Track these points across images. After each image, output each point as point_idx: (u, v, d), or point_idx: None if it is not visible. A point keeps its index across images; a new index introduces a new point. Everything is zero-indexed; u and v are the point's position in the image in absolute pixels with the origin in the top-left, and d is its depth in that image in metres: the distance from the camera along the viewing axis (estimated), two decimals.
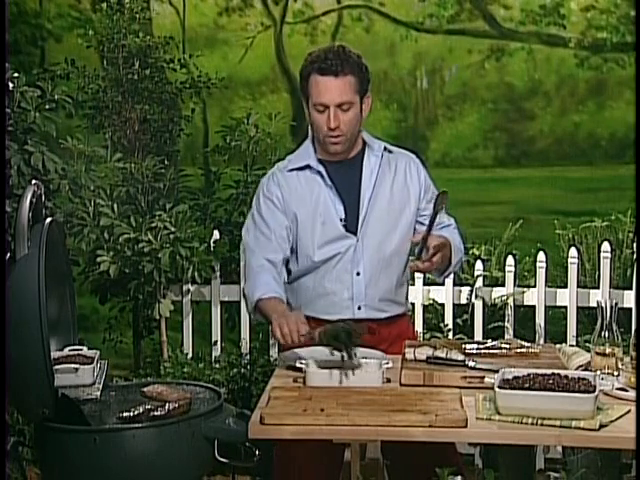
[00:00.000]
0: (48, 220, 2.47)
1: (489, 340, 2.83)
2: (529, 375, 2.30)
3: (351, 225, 2.88)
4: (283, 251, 2.88)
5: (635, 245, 4.10)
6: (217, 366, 4.17)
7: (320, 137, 2.86)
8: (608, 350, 2.50)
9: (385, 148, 2.97)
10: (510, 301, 4.16)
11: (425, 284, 4.19)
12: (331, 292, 2.90)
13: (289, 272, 2.95)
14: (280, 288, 2.82)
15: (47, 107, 3.89)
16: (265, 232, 2.90)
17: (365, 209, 2.89)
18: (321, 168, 2.91)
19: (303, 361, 2.59)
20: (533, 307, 4.18)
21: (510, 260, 4.17)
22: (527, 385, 2.25)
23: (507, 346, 2.71)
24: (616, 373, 2.48)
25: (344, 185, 2.91)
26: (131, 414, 2.39)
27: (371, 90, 2.88)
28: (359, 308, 2.91)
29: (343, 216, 2.88)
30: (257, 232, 2.92)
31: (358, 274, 2.89)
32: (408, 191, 2.95)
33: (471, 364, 2.53)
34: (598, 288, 4.11)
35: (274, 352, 4.22)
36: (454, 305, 4.22)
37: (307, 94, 2.83)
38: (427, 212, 2.94)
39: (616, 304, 2.56)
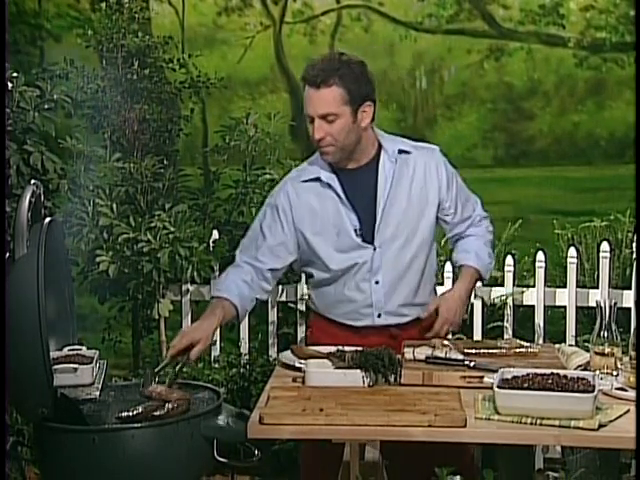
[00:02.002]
0: (47, 220, 2.46)
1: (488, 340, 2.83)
2: (528, 375, 2.30)
3: (367, 235, 2.86)
4: (271, 259, 2.90)
5: (634, 245, 4.10)
6: (216, 366, 4.17)
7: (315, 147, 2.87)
8: (607, 350, 2.50)
9: (400, 151, 2.91)
10: (509, 301, 4.15)
11: None
12: (352, 300, 2.90)
13: (311, 276, 2.97)
14: (236, 289, 2.84)
15: (46, 107, 3.89)
16: (258, 241, 2.92)
17: (380, 217, 2.86)
18: (333, 179, 2.88)
19: (302, 361, 2.59)
20: (532, 307, 4.17)
21: (509, 260, 4.16)
22: (526, 385, 2.25)
23: (506, 346, 2.71)
24: (615, 373, 2.48)
25: (358, 194, 2.88)
26: (130, 414, 2.39)
27: (374, 98, 2.82)
28: (379, 316, 2.91)
29: (358, 226, 2.86)
30: (252, 237, 2.95)
31: (377, 282, 2.88)
32: (427, 192, 2.91)
33: (470, 364, 2.53)
34: (597, 288, 4.11)
35: (273, 352, 4.22)
36: None
37: None
38: (451, 210, 2.95)
39: (615, 304, 2.56)
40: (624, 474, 3.78)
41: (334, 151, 2.82)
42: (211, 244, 4.13)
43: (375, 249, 2.87)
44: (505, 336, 4.10)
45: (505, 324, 4.16)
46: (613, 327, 2.52)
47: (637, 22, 5.40)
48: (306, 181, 2.92)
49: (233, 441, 2.40)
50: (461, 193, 3.00)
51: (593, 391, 2.19)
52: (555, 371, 2.32)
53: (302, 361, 2.59)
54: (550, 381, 2.25)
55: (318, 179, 2.89)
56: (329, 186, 2.88)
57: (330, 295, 2.94)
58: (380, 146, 2.91)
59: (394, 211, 2.86)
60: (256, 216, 3.03)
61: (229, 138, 4.37)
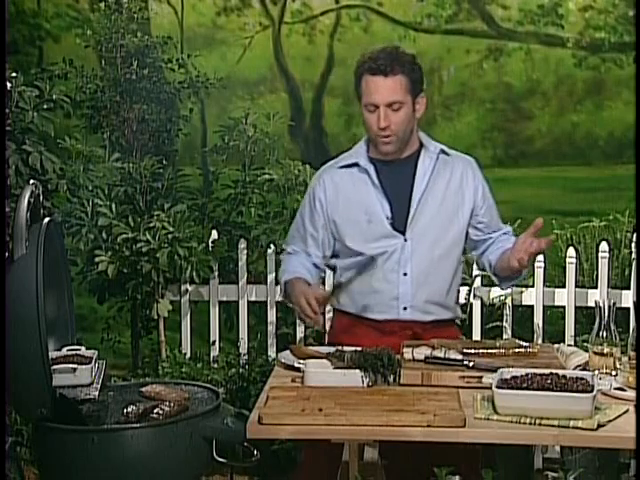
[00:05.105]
0: (46, 220, 2.46)
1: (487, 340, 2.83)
2: (527, 375, 2.30)
3: (399, 224, 2.90)
4: (318, 249, 2.99)
5: (633, 245, 4.10)
6: (215, 366, 4.16)
7: (372, 136, 2.90)
8: (606, 350, 2.51)
9: (442, 150, 2.98)
10: (508, 301, 4.15)
11: None
12: (378, 291, 2.91)
13: (335, 269, 3.02)
14: (306, 270, 2.94)
15: (45, 107, 3.88)
16: (301, 232, 3.02)
17: (414, 209, 2.89)
18: (370, 167, 2.93)
19: (301, 361, 2.59)
20: (531, 307, 4.17)
21: None
22: (525, 385, 2.25)
23: (505, 346, 2.71)
24: (614, 373, 2.48)
25: (394, 184, 2.92)
26: (129, 414, 2.39)
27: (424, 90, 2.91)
28: (404, 309, 2.91)
29: (389, 215, 2.90)
30: (295, 228, 3.07)
31: (405, 274, 2.90)
32: (463, 195, 2.96)
33: (469, 364, 2.53)
34: (596, 288, 4.11)
35: (272, 352, 4.22)
36: None
37: (359, 94, 2.88)
38: (485, 219, 2.99)
39: (614, 304, 2.56)
40: (623, 474, 3.78)
41: (395, 140, 2.87)
42: (210, 244, 4.13)
43: (406, 240, 2.89)
44: (504, 336, 4.10)
45: (504, 324, 4.16)
46: (612, 327, 2.52)
47: (636, 22, 5.40)
48: (343, 167, 2.98)
49: (232, 441, 2.40)
50: (493, 206, 3.06)
51: (592, 391, 2.19)
52: (554, 371, 2.32)
53: (301, 361, 2.59)
54: (549, 381, 2.25)
55: (356, 164, 2.95)
56: (366, 172, 2.93)
57: (356, 286, 2.94)
58: (421, 144, 2.97)
59: (429, 205, 2.90)
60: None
61: (228, 138, 4.38)
